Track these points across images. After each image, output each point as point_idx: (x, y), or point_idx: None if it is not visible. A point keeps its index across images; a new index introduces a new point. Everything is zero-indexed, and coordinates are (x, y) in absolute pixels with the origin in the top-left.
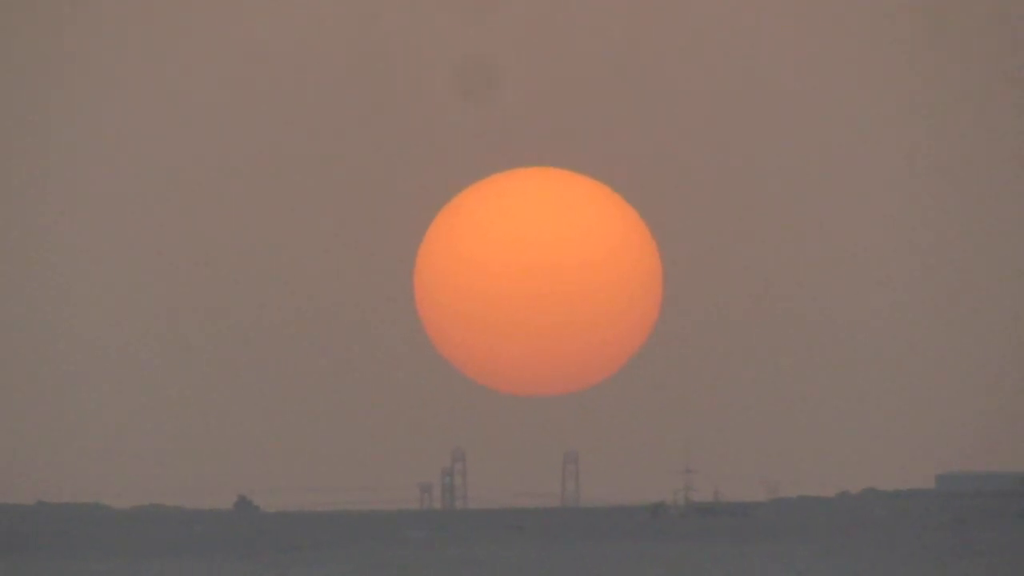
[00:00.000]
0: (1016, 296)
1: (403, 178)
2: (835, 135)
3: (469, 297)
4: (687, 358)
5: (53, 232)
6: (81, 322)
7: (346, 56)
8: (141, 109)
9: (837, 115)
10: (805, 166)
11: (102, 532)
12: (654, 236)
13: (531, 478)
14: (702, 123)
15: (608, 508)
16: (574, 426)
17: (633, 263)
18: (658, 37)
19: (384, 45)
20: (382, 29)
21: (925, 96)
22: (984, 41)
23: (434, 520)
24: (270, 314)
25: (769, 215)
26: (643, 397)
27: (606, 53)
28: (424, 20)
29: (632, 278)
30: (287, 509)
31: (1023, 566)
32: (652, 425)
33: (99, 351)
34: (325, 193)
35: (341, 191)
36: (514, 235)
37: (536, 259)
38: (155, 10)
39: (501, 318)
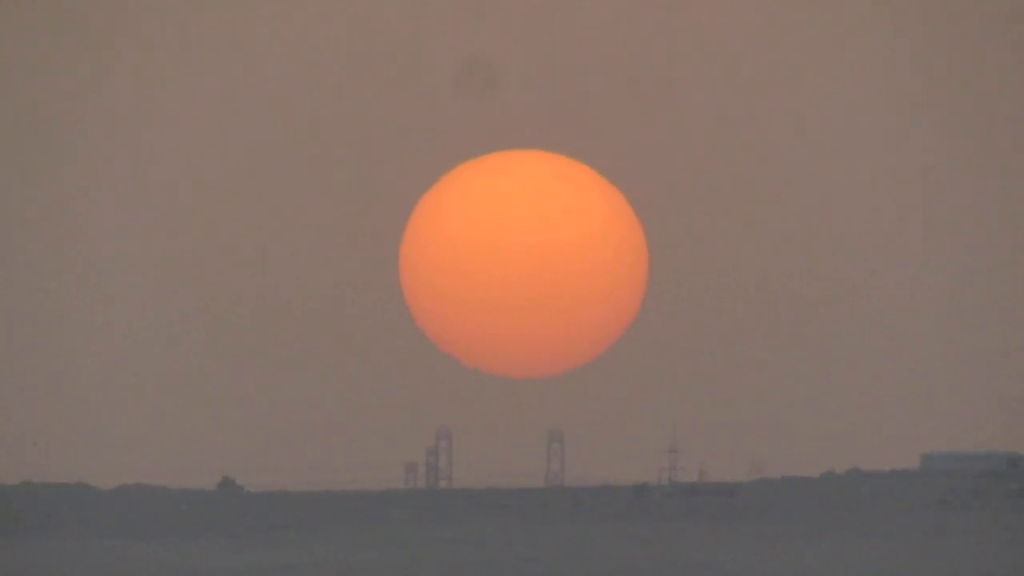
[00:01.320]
0: (1000, 277)
1: (390, 165)
2: (823, 119)
3: (454, 277)
4: (672, 338)
5: (42, 222)
6: (65, 305)
7: (346, 54)
8: (137, 104)
9: (824, 100)
10: (791, 150)
11: (87, 512)
12: (639, 218)
13: (516, 458)
14: (690, 110)
15: (593, 488)
16: (559, 406)
17: (619, 244)
18: (652, 31)
19: (385, 44)
20: (383, 29)
21: (911, 80)
22: (986, 39)
23: (419, 500)
24: (253, 295)
25: (754, 198)
26: (628, 377)
27: (601, 47)
28: (424, 20)
29: (618, 260)
30: (271, 489)
31: (1007, 545)
32: (637, 405)
33: (83, 333)
34: (312, 179)
35: (328, 177)
36: (500, 215)
37: (522, 240)
38: (155, 9)
39: (486, 298)
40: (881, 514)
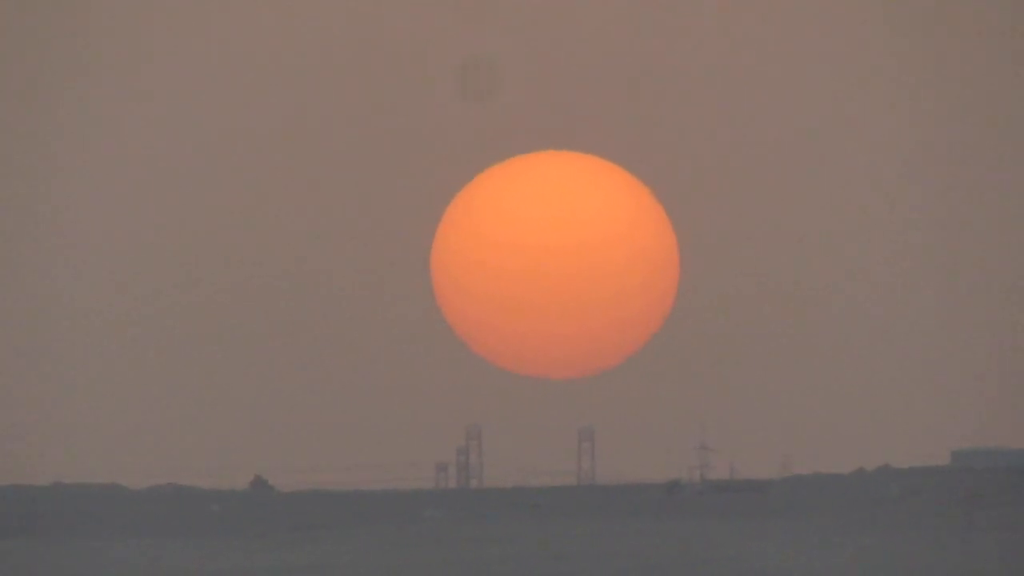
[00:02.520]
0: None
1: (422, 166)
2: (854, 114)
3: (485, 277)
4: (702, 336)
5: (65, 219)
6: (99, 304)
7: (350, 53)
8: (150, 109)
9: (857, 94)
10: (822, 148)
11: (119, 513)
12: (669, 217)
13: (546, 456)
14: (721, 108)
15: (624, 485)
16: (589, 404)
17: (649, 244)
18: (661, 27)
19: (386, 44)
20: (383, 28)
21: (939, 70)
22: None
23: (450, 499)
24: (287, 295)
25: (785, 197)
26: (658, 375)
27: (608, 45)
28: (426, 20)
29: (648, 259)
30: (302, 489)
31: None
32: (667, 402)
33: (116, 333)
34: (345, 181)
35: (360, 178)
36: (530, 216)
37: (552, 240)
38: (160, 9)
39: (517, 298)
40: (911, 511)
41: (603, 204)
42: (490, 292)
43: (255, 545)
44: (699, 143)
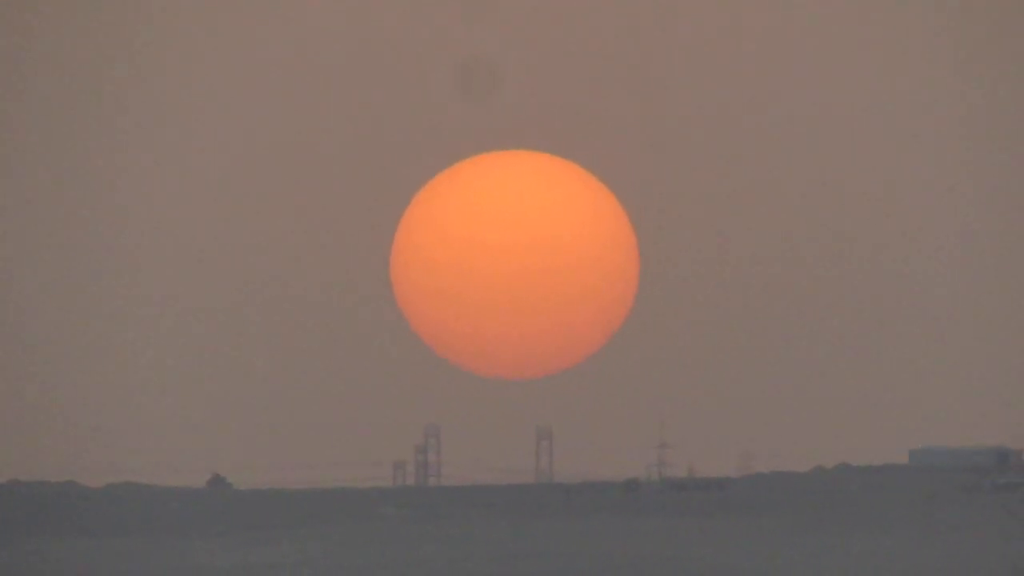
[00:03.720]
0: (987, 274)
1: (381, 164)
2: (814, 119)
3: (444, 276)
4: (661, 335)
5: (41, 221)
6: (54, 304)
7: (334, 54)
8: (128, 105)
9: (816, 99)
10: (779, 150)
11: (77, 511)
12: (629, 217)
13: (505, 455)
14: (679, 109)
15: (582, 484)
16: (547, 403)
17: (610, 244)
18: (638, 31)
19: (374, 46)
20: (374, 30)
21: (906, 78)
22: (983, 38)
23: (408, 497)
24: (243, 294)
25: (744, 197)
26: (617, 373)
27: (588, 49)
28: (423, 19)
29: (609, 259)
30: (261, 487)
31: (995, 540)
32: (626, 401)
33: (71, 331)
34: (304, 178)
35: (319, 176)
36: (490, 215)
37: (512, 239)
38: (156, 7)
39: (476, 297)
40: (870, 509)
41: (563, 205)
42: (450, 291)
43: (214, 543)
44: (660, 142)
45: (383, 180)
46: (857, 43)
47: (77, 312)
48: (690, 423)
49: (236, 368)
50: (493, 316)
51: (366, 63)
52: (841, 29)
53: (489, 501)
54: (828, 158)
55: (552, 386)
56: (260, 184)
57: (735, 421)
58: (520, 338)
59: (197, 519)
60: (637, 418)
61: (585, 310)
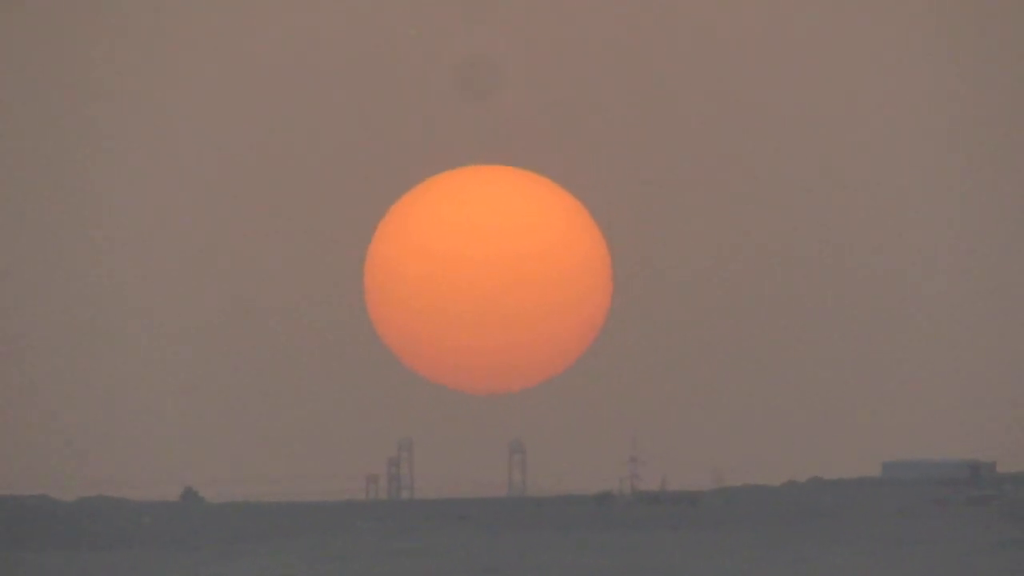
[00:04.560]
0: (960, 288)
1: (356, 177)
2: (782, 134)
3: (417, 290)
4: (633, 348)
5: (8, 235)
6: (26, 318)
7: (307, 66)
8: (98, 112)
9: (789, 111)
10: (749, 169)
11: (49, 525)
12: (603, 231)
13: (478, 468)
14: (652, 123)
15: (555, 497)
16: (520, 416)
17: (583, 259)
18: (604, 48)
19: (345, 58)
20: (344, 41)
21: (881, 84)
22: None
23: (381, 510)
24: (216, 304)
25: (716, 212)
26: (589, 387)
27: (557, 64)
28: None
29: (582, 273)
30: (234, 500)
31: (968, 553)
32: (598, 414)
33: (41, 344)
34: (278, 189)
35: (294, 187)
36: (463, 230)
37: (485, 254)
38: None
39: (449, 311)
40: (843, 522)
41: (536, 220)
42: (422, 305)
43: (187, 557)
44: (635, 158)
45: (356, 193)
46: (836, 56)
47: (49, 326)
48: (662, 437)
49: (208, 382)
50: (466, 330)
51: (328, 75)
52: (822, 42)
53: (462, 514)
54: (804, 178)
55: (525, 400)
56: (232, 198)
57: (707, 435)
58: (493, 352)
59: (170, 533)
60: (610, 432)
61: (558, 325)
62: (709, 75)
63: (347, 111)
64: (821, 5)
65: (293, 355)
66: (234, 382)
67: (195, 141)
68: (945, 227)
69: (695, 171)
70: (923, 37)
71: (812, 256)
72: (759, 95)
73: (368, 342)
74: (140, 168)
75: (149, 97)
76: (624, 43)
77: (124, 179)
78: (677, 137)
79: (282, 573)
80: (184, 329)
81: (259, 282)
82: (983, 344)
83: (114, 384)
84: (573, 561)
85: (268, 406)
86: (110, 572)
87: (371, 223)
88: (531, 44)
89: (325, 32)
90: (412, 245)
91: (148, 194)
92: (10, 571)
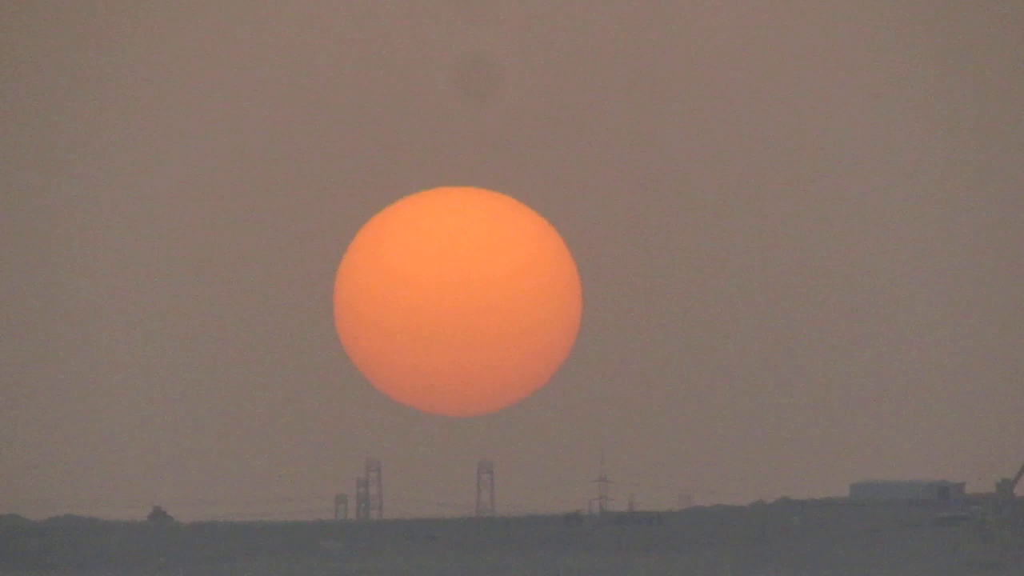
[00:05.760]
0: (929, 308)
1: (326, 198)
2: (754, 155)
3: (387, 311)
4: (602, 369)
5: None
6: None
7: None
8: (75, 115)
9: (764, 129)
10: (724, 190)
11: (17, 544)
12: (572, 253)
13: (446, 489)
14: (621, 144)
15: (523, 517)
16: (489, 437)
17: (552, 281)
18: (572, 66)
19: (318, 76)
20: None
21: (866, 92)
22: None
23: (350, 530)
24: (185, 323)
25: (684, 235)
26: (558, 408)
27: (525, 83)
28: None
29: (551, 296)
30: (202, 520)
31: (937, 574)
32: (567, 435)
33: (11, 365)
34: (248, 208)
35: (264, 207)
36: (433, 251)
37: (454, 275)
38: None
39: (417, 332)
40: (811, 543)
41: (505, 243)
42: (391, 326)
43: None
44: (606, 181)
45: (327, 214)
46: (828, 66)
47: (16, 346)
48: (631, 458)
49: (177, 402)
50: (435, 351)
51: (305, 94)
52: (808, 55)
53: (431, 534)
54: (777, 200)
55: (494, 421)
56: (199, 215)
57: (675, 456)
58: (462, 373)
59: (139, 552)
60: (578, 453)
61: (527, 347)
62: (689, 87)
63: (300, 139)
64: (803, 13)
65: (262, 376)
66: (203, 402)
67: (167, 158)
68: (915, 253)
69: (667, 194)
70: (917, 39)
71: (783, 279)
72: (739, 109)
73: (338, 363)
74: (103, 190)
75: (134, 105)
76: (599, 62)
77: (95, 210)
78: (650, 154)
79: None
80: (153, 350)
81: (228, 304)
82: (952, 366)
83: (83, 404)
84: None
85: (238, 426)
86: None
87: (342, 244)
88: (527, 47)
89: (297, 57)
90: (381, 267)
91: (106, 219)
92: None
